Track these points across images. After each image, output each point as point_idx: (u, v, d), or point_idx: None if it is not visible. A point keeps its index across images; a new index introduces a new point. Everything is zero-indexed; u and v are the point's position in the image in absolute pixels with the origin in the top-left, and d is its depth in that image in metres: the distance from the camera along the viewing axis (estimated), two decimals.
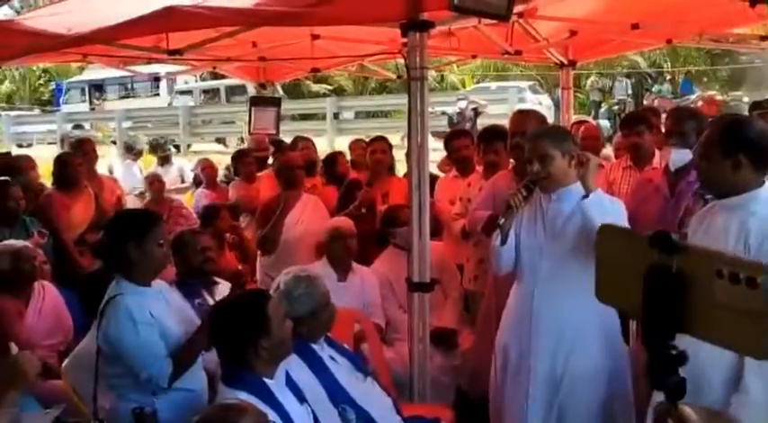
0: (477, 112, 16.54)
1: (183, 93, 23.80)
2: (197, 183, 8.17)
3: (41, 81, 31.65)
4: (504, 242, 3.27)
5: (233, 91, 22.09)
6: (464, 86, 24.17)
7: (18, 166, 5.91)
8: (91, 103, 25.73)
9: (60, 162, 5.68)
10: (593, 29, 6.42)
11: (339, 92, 26.89)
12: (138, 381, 2.89)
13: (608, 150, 7.45)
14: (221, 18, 4.00)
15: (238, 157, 7.47)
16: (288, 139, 7.61)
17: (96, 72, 23.07)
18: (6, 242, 4.25)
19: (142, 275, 2.98)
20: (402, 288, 4.07)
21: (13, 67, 25.12)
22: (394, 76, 8.98)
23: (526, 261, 3.31)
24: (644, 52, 20.96)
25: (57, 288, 4.31)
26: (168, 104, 23.59)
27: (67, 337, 4.12)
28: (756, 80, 22.50)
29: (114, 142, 19.57)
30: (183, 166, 10.13)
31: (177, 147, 18.73)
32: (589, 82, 22.56)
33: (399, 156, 6.60)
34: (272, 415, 2.42)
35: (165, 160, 10.05)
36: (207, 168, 7.77)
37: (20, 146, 20.32)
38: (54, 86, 29.62)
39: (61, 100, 26.67)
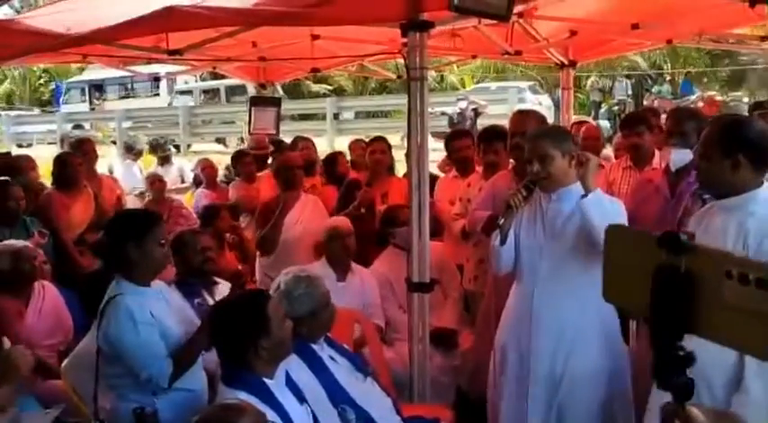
0: (477, 113, 16.54)
1: (183, 93, 23.79)
2: (197, 183, 8.17)
3: (41, 81, 31.65)
4: (503, 242, 3.27)
5: (233, 91, 22.09)
6: (464, 87, 24.18)
7: (18, 166, 5.91)
8: (91, 103, 25.72)
9: (60, 162, 5.68)
10: (594, 29, 6.42)
11: (339, 92, 26.89)
12: (138, 381, 2.89)
13: (608, 151, 7.46)
14: (221, 18, 4.00)
15: (238, 157, 7.48)
16: (288, 140, 7.62)
17: (96, 72, 23.06)
18: (6, 242, 4.25)
19: (142, 275, 2.99)
20: (402, 288, 4.07)
21: (13, 67, 25.16)
22: (394, 77, 8.98)
23: (526, 261, 3.31)
24: (644, 53, 20.96)
25: (57, 288, 4.31)
26: (168, 104, 23.59)
27: (67, 337, 4.12)
28: (758, 81, 22.54)
29: (114, 142, 19.57)
30: (182, 166, 10.13)
31: (177, 147, 18.73)
32: (589, 82, 22.57)
33: (399, 156, 6.60)
34: (271, 415, 2.43)
35: (165, 160, 10.05)
36: (207, 168, 7.77)
37: (20, 146, 20.33)
38: (54, 86, 29.61)
39: (61, 100, 26.67)
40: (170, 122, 21.73)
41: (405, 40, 3.70)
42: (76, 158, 5.78)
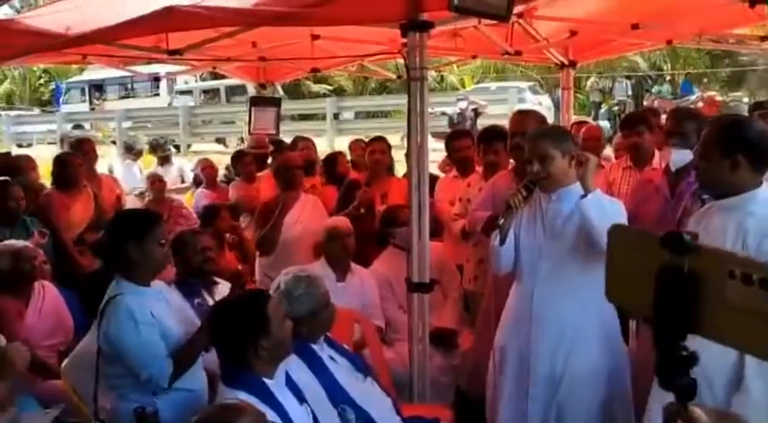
0: (477, 113, 16.54)
1: (183, 93, 23.80)
2: (197, 183, 8.16)
3: (41, 81, 31.66)
4: (502, 242, 3.27)
5: (233, 91, 22.09)
6: (464, 87, 24.19)
7: (18, 166, 5.91)
8: (91, 103, 25.73)
9: (60, 162, 5.67)
10: (594, 29, 6.43)
11: (339, 92, 26.90)
12: (138, 381, 2.89)
13: (608, 151, 7.46)
14: (221, 18, 4.00)
15: (238, 157, 7.48)
16: (288, 140, 7.62)
17: (96, 72, 23.07)
18: (7, 242, 4.25)
19: (142, 275, 2.99)
20: (402, 288, 4.07)
21: (12, 67, 25.17)
22: (394, 77, 8.99)
23: (526, 261, 3.31)
24: (644, 53, 20.97)
25: (57, 288, 4.31)
26: (168, 104, 23.60)
27: (68, 337, 4.12)
28: (758, 81, 22.53)
29: (114, 142, 19.57)
30: (182, 166, 10.13)
31: (177, 147, 18.74)
32: (589, 83, 22.57)
33: (399, 156, 6.60)
34: (271, 415, 2.42)
35: (164, 160, 10.05)
36: (207, 168, 7.76)
37: (20, 146, 20.33)
38: (54, 86, 29.62)
39: (61, 100, 26.67)
40: (170, 122, 21.73)
41: (405, 40, 3.70)
42: (76, 158, 5.78)
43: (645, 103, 19.69)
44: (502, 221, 3.25)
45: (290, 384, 2.73)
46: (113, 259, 3.02)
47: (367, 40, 5.91)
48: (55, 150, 12.02)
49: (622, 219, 3.13)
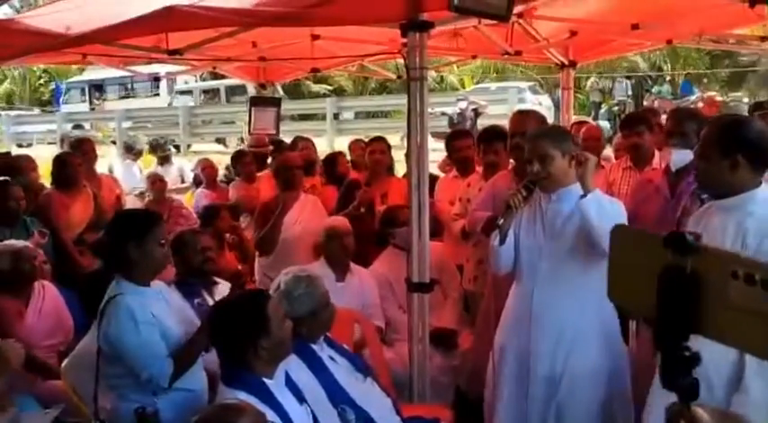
0: (477, 113, 16.54)
1: (183, 93, 23.80)
2: (197, 183, 8.17)
3: (41, 81, 31.67)
4: (502, 242, 3.27)
5: (233, 91, 22.09)
6: (463, 87, 24.19)
7: (18, 166, 5.91)
8: (91, 103, 25.74)
9: (59, 162, 5.67)
10: (594, 29, 6.43)
11: (339, 92, 26.91)
12: (138, 381, 2.89)
13: (608, 151, 7.46)
14: (221, 18, 4.00)
15: (238, 157, 7.48)
16: (288, 140, 7.62)
17: (96, 72, 23.07)
18: (7, 242, 4.25)
19: (142, 275, 2.99)
20: (402, 288, 4.07)
21: (12, 67, 25.18)
22: (394, 77, 8.99)
23: (525, 261, 3.31)
24: (644, 53, 20.97)
25: (57, 288, 4.31)
26: (168, 104, 23.60)
27: (68, 338, 4.12)
28: (758, 81, 22.53)
29: (114, 142, 19.56)
30: (182, 166, 10.13)
31: (177, 147, 18.74)
32: (589, 83, 22.58)
33: (399, 156, 6.60)
34: (271, 415, 2.43)
35: (164, 160, 10.05)
36: (207, 168, 7.76)
37: (20, 146, 20.33)
38: (54, 86, 29.62)
39: (61, 100, 26.68)
40: (170, 122, 21.74)
41: (405, 40, 3.69)
42: (76, 158, 5.78)
43: (645, 103, 19.69)
44: (501, 221, 3.25)
45: (290, 384, 2.73)
46: (113, 259, 3.02)
47: (367, 40, 5.92)
48: (55, 150, 12.02)
49: (622, 219, 3.13)
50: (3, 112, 25.13)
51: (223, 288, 3.79)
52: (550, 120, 8.46)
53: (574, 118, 7.99)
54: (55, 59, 7.62)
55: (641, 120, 5.14)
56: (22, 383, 3.76)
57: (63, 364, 3.69)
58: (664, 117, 5.44)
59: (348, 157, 7.11)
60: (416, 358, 3.77)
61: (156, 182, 7.21)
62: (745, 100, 18.48)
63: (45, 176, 6.24)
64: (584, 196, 3.11)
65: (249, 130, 8.08)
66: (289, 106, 17.53)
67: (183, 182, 9.58)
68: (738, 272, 1.24)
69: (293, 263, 3.80)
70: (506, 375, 3.33)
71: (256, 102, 8.11)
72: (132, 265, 2.96)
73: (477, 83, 24.79)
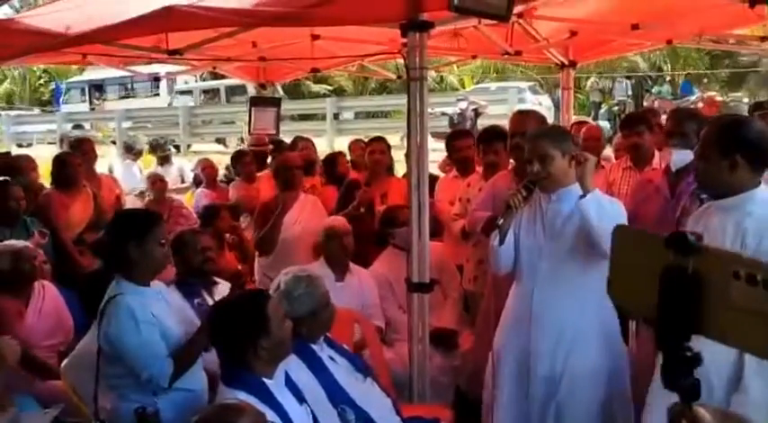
0: (477, 113, 16.54)
1: (183, 93, 23.80)
2: (197, 183, 8.17)
3: (41, 81, 31.67)
4: (502, 242, 3.27)
5: (233, 91, 22.09)
6: (463, 87, 24.19)
7: (18, 166, 5.91)
8: (91, 103, 25.75)
9: (59, 162, 5.67)
10: (594, 29, 6.43)
11: (339, 92, 26.91)
12: (139, 381, 2.89)
13: (608, 151, 7.46)
14: (221, 18, 4.00)
15: (238, 157, 7.47)
16: (288, 140, 7.62)
17: (96, 72, 23.07)
18: (7, 242, 4.25)
19: (142, 275, 2.99)
20: (402, 288, 4.07)
21: (12, 67, 25.18)
22: (394, 77, 8.99)
23: (525, 261, 3.30)
24: (644, 53, 20.98)
25: (57, 288, 4.31)
26: (168, 104, 23.60)
27: (68, 338, 4.11)
28: (758, 81, 22.54)
29: (114, 142, 19.56)
30: (182, 166, 10.12)
31: (177, 147, 18.73)
32: (589, 83, 22.59)
33: (399, 156, 6.60)
34: (271, 415, 2.42)
35: (164, 160, 10.04)
36: (207, 168, 7.76)
37: (20, 146, 20.33)
38: (54, 86, 29.63)
39: (61, 100, 26.68)
40: (170, 122, 21.73)
41: (405, 40, 3.69)
42: (75, 158, 5.78)
43: (645, 103, 19.70)
44: (501, 221, 3.24)
45: (290, 384, 2.73)
46: (113, 259, 3.02)
47: (367, 40, 5.92)
48: (55, 150, 12.02)
49: (622, 219, 3.13)
50: (3, 112, 25.13)
51: (223, 288, 3.79)
52: (550, 120, 8.46)
53: (574, 118, 7.99)
54: (55, 59, 7.62)
55: (641, 120, 5.14)
56: (22, 383, 3.76)
57: (63, 364, 3.69)
58: (664, 117, 5.44)
59: (348, 157, 7.11)
60: (416, 358, 3.77)
61: (157, 182, 7.21)
62: (745, 100, 18.49)
63: (45, 176, 6.24)
64: (583, 196, 3.11)
65: (249, 130, 8.08)
66: (289, 106, 17.54)
67: (183, 182, 9.58)
68: (740, 272, 1.24)
69: (293, 263, 3.80)
70: (506, 375, 3.33)
71: (256, 102, 8.11)
72: (132, 265, 2.96)
73: (477, 83, 24.80)
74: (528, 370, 3.24)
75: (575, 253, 3.15)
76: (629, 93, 21.59)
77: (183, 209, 6.97)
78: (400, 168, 6.44)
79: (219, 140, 20.93)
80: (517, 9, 4.59)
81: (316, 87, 26.58)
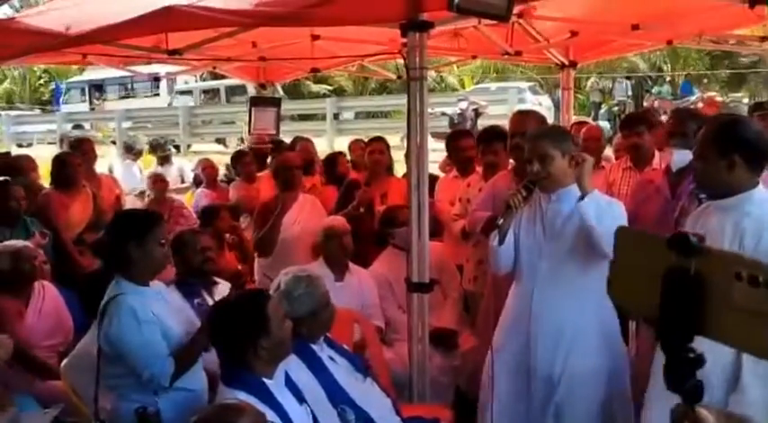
0: (477, 113, 16.55)
1: (183, 93, 23.81)
2: (197, 183, 8.17)
3: (41, 81, 31.68)
4: (501, 242, 3.27)
5: (233, 91, 22.10)
6: (463, 87, 24.20)
7: (19, 167, 5.91)
8: (91, 103, 25.75)
9: (59, 162, 5.67)
10: (594, 29, 6.42)
11: (339, 92, 26.92)
12: (139, 381, 2.89)
13: (608, 151, 7.46)
14: (221, 18, 4.00)
15: (238, 157, 7.48)
16: (288, 140, 7.62)
17: (96, 72, 23.08)
18: (6, 242, 4.25)
19: (142, 275, 2.99)
20: (401, 288, 4.07)
21: (12, 67, 25.19)
22: (394, 77, 8.99)
23: (525, 261, 3.30)
24: (644, 54, 20.98)
25: (57, 288, 4.31)
26: (168, 104, 23.61)
27: (67, 338, 4.11)
28: (759, 82, 22.53)
29: (114, 142, 19.56)
30: (182, 166, 10.12)
31: (177, 147, 18.73)
32: (589, 83, 22.60)
33: (399, 156, 6.60)
34: (271, 415, 2.43)
35: (164, 160, 10.04)
36: (207, 168, 7.77)
37: (20, 146, 20.34)
38: (54, 86, 29.63)
39: (61, 100, 26.68)
40: (170, 122, 21.74)
41: (405, 40, 3.69)
42: (75, 158, 5.78)
43: (645, 103, 19.70)
44: (501, 221, 3.24)
45: (290, 384, 2.73)
46: (113, 259, 3.02)
47: (367, 40, 5.92)
48: (55, 150, 12.01)
49: (622, 219, 3.13)
50: (3, 112, 25.14)
51: (223, 288, 3.79)
52: (550, 120, 8.45)
53: (574, 118, 7.99)
54: (55, 59, 7.62)
55: (641, 120, 5.13)
56: (22, 383, 3.76)
57: (62, 364, 3.69)
58: (664, 117, 5.44)
59: (348, 157, 7.11)
60: (416, 358, 3.77)
61: (158, 182, 7.21)
62: (745, 101, 18.50)
63: (45, 176, 6.24)
64: (582, 198, 3.10)
65: (249, 131, 8.09)
66: (289, 106, 17.54)
67: (182, 182, 9.57)
68: (742, 273, 1.24)
69: (292, 263, 3.79)
70: (505, 375, 3.33)
71: (256, 102, 8.11)
72: (132, 265, 2.96)
73: (477, 83, 24.80)
74: (527, 370, 3.24)
75: (574, 253, 3.15)
76: (629, 93, 21.59)
77: (183, 209, 6.97)
78: (400, 168, 6.44)
79: (219, 140, 20.93)
80: (517, 9, 4.59)
81: (316, 87, 26.59)
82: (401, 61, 4.09)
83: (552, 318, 3.20)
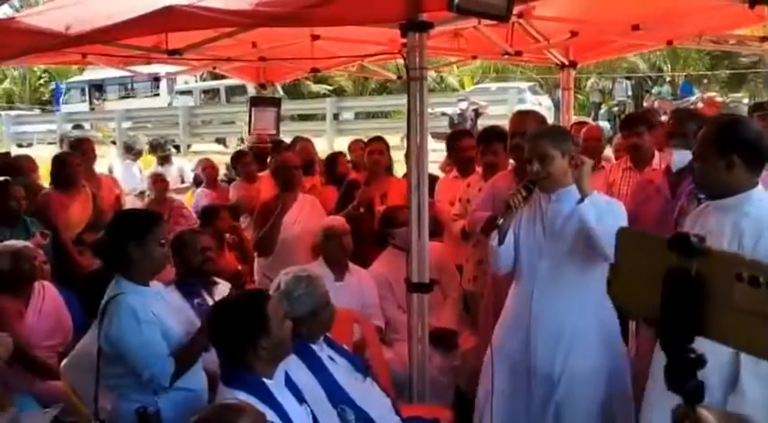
0: (477, 113, 16.56)
1: (183, 93, 23.82)
2: (197, 183, 8.17)
3: (41, 81, 31.68)
4: (501, 242, 3.27)
5: (233, 91, 22.11)
6: (463, 87, 24.20)
7: (19, 167, 5.91)
8: (91, 103, 25.76)
9: (58, 162, 5.67)
10: (594, 30, 6.43)
11: (339, 92, 26.92)
12: (139, 381, 2.89)
13: (608, 152, 7.46)
14: (221, 19, 4.00)
15: (238, 157, 7.48)
16: (288, 140, 7.62)
17: (96, 72, 23.09)
18: (6, 242, 4.25)
19: (142, 275, 2.99)
20: (401, 288, 4.07)
21: (12, 67, 25.19)
22: (394, 77, 8.99)
23: (525, 261, 3.30)
24: (644, 54, 20.99)
25: (57, 288, 4.31)
26: (168, 104, 23.62)
27: (67, 338, 4.11)
28: (759, 82, 22.53)
29: (114, 142, 19.57)
30: (182, 166, 10.12)
31: (177, 147, 18.74)
32: (589, 83, 22.61)
33: (399, 156, 6.61)
34: (271, 415, 2.43)
35: (164, 160, 10.04)
36: (207, 168, 7.77)
37: (20, 146, 20.35)
38: (54, 86, 29.63)
39: (61, 100, 26.69)
40: (170, 123, 21.75)
41: (405, 40, 3.70)
42: (75, 158, 5.78)
43: (645, 103, 19.70)
44: (501, 221, 3.24)
45: (290, 384, 2.73)
46: (113, 259, 3.02)
47: (367, 41, 5.92)
48: (55, 150, 12.01)
49: (622, 220, 3.12)
50: (3, 112, 25.15)
51: (223, 288, 3.79)
52: (550, 120, 8.45)
53: (574, 118, 7.99)
54: (55, 59, 7.62)
55: (641, 120, 5.13)
56: (22, 383, 3.76)
57: (62, 364, 3.69)
58: (664, 118, 5.44)
59: (348, 158, 7.11)
60: (416, 358, 3.77)
61: (158, 181, 7.21)
62: (746, 101, 18.50)
63: (45, 177, 6.24)
64: (581, 200, 3.10)
65: (249, 131, 8.09)
66: (289, 106, 17.55)
67: (182, 182, 9.58)
68: (743, 274, 1.25)
69: (292, 263, 3.79)
70: (505, 374, 3.33)
71: (256, 102, 8.12)
72: (132, 265, 2.96)
73: (477, 83, 24.80)
74: (527, 369, 3.24)
75: (574, 253, 3.15)
76: (629, 93, 21.60)
77: (183, 209, 6.97)
78: (400, 168, 6.45)
79: (219, 140, 20.94)
80: (517, 9, 4.59)
81: (316, 87, 26.59)
82: (401, 61, 4.09)
83: (552, 317, 3.20)
